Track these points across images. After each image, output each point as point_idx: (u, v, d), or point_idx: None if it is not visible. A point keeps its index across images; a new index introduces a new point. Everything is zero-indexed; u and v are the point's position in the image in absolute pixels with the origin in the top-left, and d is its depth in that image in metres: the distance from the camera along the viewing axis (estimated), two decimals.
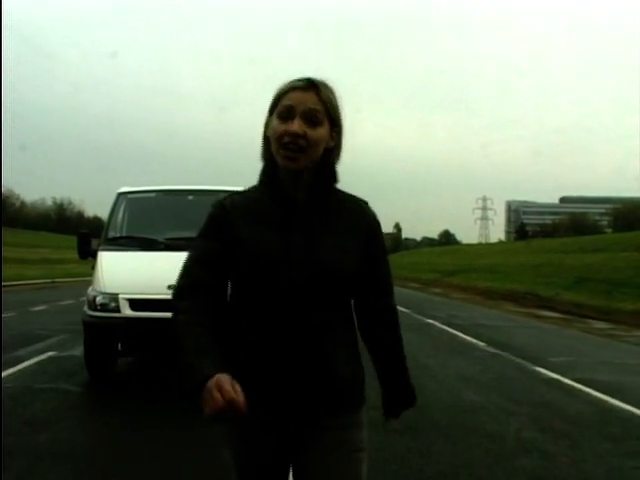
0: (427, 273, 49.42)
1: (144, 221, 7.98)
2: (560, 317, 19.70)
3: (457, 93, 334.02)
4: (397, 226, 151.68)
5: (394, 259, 50.37)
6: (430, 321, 15.81)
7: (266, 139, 1.82)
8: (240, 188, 6.72)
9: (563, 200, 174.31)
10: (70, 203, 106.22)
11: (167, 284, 6.29)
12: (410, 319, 15.46)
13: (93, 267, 7.31)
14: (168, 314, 5.57)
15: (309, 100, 1.74)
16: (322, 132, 1.75)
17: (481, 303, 25.56)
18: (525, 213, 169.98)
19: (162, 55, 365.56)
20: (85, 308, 6.92)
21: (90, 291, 6.92)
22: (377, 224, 1.89)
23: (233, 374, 1.63)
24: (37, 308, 16.78)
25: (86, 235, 7.76)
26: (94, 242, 7.71)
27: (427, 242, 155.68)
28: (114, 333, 6.71)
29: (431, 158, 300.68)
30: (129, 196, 8.03)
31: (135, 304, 6.59)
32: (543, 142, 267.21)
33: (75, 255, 7.83)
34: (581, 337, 14.24)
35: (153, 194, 8.12)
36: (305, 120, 1.73)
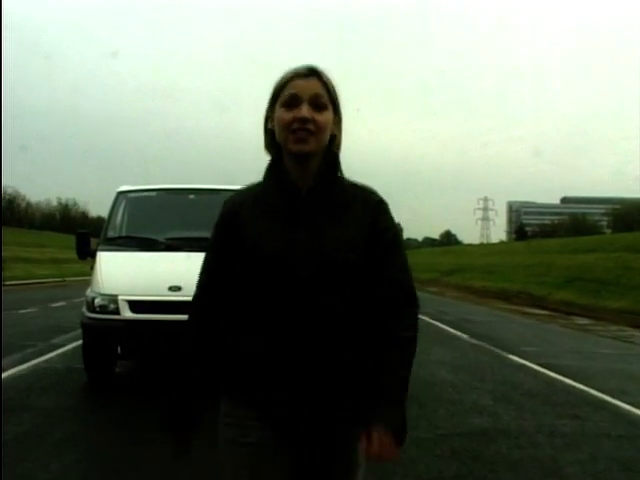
0: (426, 273, 50.57)
1: (144, 221, 7.88)
2: (546, 314, 20.93)
3: (458, 93, 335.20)
4: (398, 226, 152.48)
5: None
6: (419, 316, 17.02)
7: (268, 132, 1.85)
8: (241, 187, 7.24)
9: (564, 200, 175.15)
10: (75, 204, 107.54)
11: (168, 285, 6.26)
12: None
13: (92, 268, 7.17)
14: (169, 316, 5.93)
15: (313, 86, 1.77)
16: (328, 116, 1.78)
17: (473, 301, 26.82)
18: (526, 213, 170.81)
19: (162, 55, 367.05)
20: (84, 310, 6.79)
21: (89, 292, 6.77)
22: (383, 212, 1.84)
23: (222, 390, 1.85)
24: (56, 304, 18.04)
25: (85, 235, 7.62)
26: (93, 242, 7.60)
27: (429, 242, 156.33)
28: (113, 336, 6.53)
29: (432, 158, 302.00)
30: (129, 195, 7.90)
31: (135, 306, 6.44)
32: (544, 142, 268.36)
33: None
34: (559, 331, 15.51)
35: (153, 193, 7.99)
36: (311, 105, 1.75)
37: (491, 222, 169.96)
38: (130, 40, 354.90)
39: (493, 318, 18.29)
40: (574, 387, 7.72)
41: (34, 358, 8.49)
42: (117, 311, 6.44)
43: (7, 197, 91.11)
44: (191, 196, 7.97)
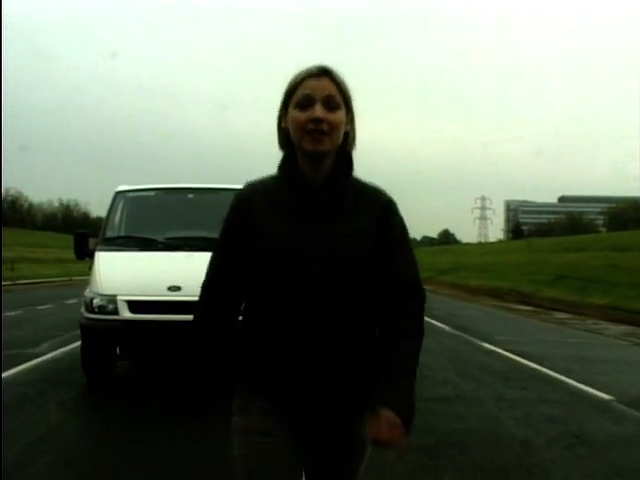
0: (423, 271, 51.05)
1: (143, 220, 7.82)
2: (530, 310, 22.19)
3: (458, 93, 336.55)
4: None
5: None
6: None
7: (282, 130, 1.87)
8: (242, 186, 8.03)
9: (562, 199, 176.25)
10: (77, 204, 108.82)
11: (167, 285, 6.29)
12: None
13: (90, 268, 7.12)
14: (168, 316, 6.12)
15: (326, 86, 1.79)
16: (342, 115, 1.80)
17: (465, 298, 28.10)
18: (524, 212, 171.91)
19: (162, 55, 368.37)
20: (82, 310, 6.72)
21: (87, 293, 6.71)
22: (390, 211, 1.88)
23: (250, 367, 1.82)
24: (70, 301, 19.21)
25: (83, 235, 7.54)
26: (92, 242, 7.50)
27: (427, 241, 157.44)
28: (112, 336, 6.46)
29: (431, 158, 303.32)
30: (127, 195, 7.83)
31: (134, 306, 6.38)
32: (542, 142, 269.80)
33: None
34: (536, 324, 16.81)
35: (152, 193, 7.93)
36: (325, 105, 1.77)
37: (489, 221, 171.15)
38: (130, 40, 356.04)
39: (479, 313, 19.57)
40: (530, 367, 8.99)
41: (63, 346, 9.75)
42: (116, 311, 6.37)
43: (10, 198, 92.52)
44: (190, 195, 7.91)
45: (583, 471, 4.54)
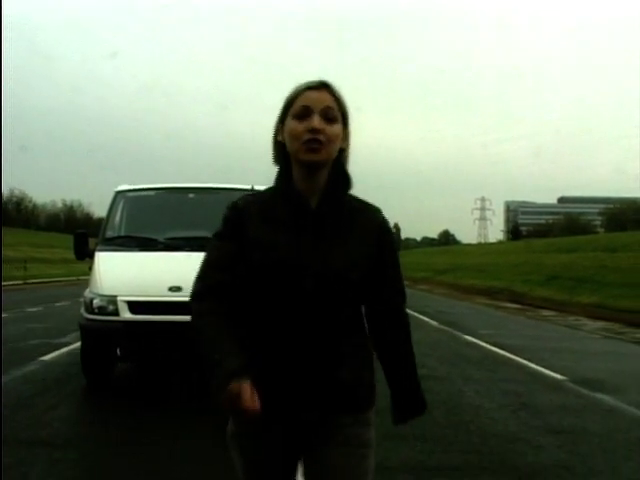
0: (420, 272, 53.01)
1: (143, 220, 7.78)
2: (519, 308, 23.39)
3: (458, 93, 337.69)
4: (396, 226, 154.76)
5: None
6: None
7: (277, 144, 1.89)
8: (242, 185, 6.93)
9: (561, 200, 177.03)
10: (80, 205, 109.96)
11: (168, 285, 6.29)
12: None
13: (90, 268, 7.08)
14: (169, 317, 6.11)
15: (325, 99, 1.82)
16: (338, 128, 1.83)
17: (458, 297, 29.29)
18: (523, 213, 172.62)
19: (162, 55, 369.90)
20: (82, 311, 6.69)
21: (87, 293, 6.66)
22: (387, 231, 1.92)
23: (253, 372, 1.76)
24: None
25: (83, 235, 7.50)
26: (92, 242, 7.48)
27: (427, 242, 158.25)
28: (112, 337, 6.41)
29: (431, 158, 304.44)
30: (127, 194, 7.80)
31: (134, 307, 6.35)
32: (542, 142, 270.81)
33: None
34: (521, 320, 18.02)
35: (152, 192, 7.89)
36: (323, 117, 1.79)
37: (488, 222, 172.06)
38: (130, 40, 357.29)
39: (468, 311, 20.76)
40: (503, 355, 10.19)
41: None
42: (116, 312, 6.34)
43: (14, 199, 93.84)
44: (191, 195, 7.87)
45: (520, 427, 5.72)
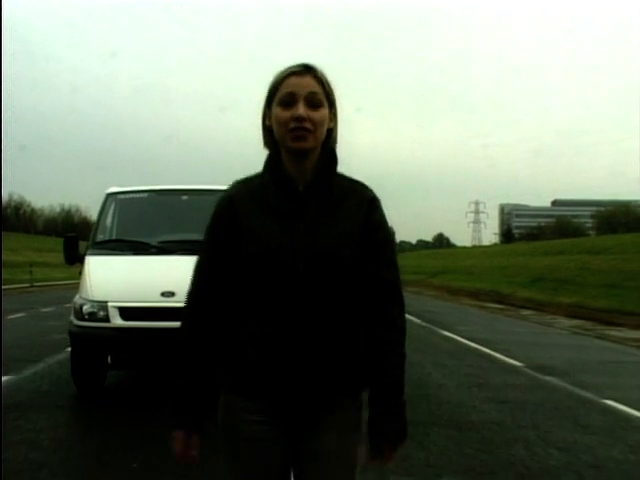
0: (413, 274, 54.32)
1: (135, 223, 7.61)
2: (501, 308, 24.75)
3: (450, 97, 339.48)
4: (391, 229, 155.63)
5: None
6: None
7: (266, 129, 1.90)
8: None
9: (555, 203, 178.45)
10: (77, 210, 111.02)
11: (160, 291, 6.18)
12: None
13: (80, 273, 6.86)
14: (162, 323, 6.00)
15: (308, 84, 1.82)
16: (324, 112, 1.83)
17: (445, 299, 30.69)
18: (518, 216, 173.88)
19: (162, 55, 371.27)
20: (71, 317, 6.47)
21: (77, 299, 6.45)
22: (375, 206, 1.91)
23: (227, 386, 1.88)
24: None
25: (73, 239, 7.26)
26: (82, 246, 7.29)
27: (422, 245, 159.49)
28: (103, 344, 6.27)
29: (426, 161, 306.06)
30: (119, 197, 7.60)
31: (126, 313, 6.19)
32: (537, 146, 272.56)
33: None
34: (498, 318, 19.40)
35: (145, 194, 7.67)
36: (307, 103, 1.80)
37: (482, 225, 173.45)
38: (129, 41, 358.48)
39: (452, 310, 22.12)
40: (473, 347, 11.53)
41: None
42: (107, 318, 6.18)
43: (13, 204, 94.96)
44: (184, 197, 7.73)
45: (472, 398, 7.05)
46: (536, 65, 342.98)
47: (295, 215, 1.83)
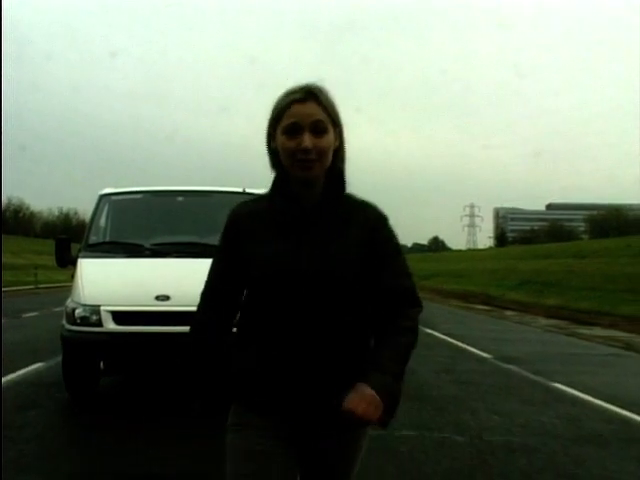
0: None
1: (129, 225, 7.49)
2: (487, 309, 25.98)
3: (446, 101, 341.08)
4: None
5: None
6: None
7: (272, 151, 1.89)
8: (233, 189, 6.83)
9: (550, 207, 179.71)
10: (76, 213, 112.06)
11: (154, 294, 6.03)
12: None
13: (73, 276, 6.70)
14: (156, 328, 5.88)
15: (312, 112, 1.81)
16: (330, 139, 1.83)
17: (435, 300, 31.81)
18: (513, 220, 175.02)
19: (161, 56, 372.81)
20: (63, 321, 6.32)
21: (69, 303, 6.30)
22: (383, 225, 1.91)
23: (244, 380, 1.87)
24: None
25: (65, 241, 7.16)
26: (75, 248, 7.13)
27: (418, 248, 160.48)
28: (96, 349, 6.14)
29: (422, 164, 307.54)
30: (113, 198, 7.46)
31: (119, 317, 6.04)
32: (533, 149, 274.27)
33: None
34: (481, 318, 20.70)
35: (139, 195, 7.55)
36: (312, 132, 1.80)
37: (477, 228, 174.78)
38: (129, 41, 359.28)
39: (438, 311, 23.32)
40: (450, 341, 12.82)
41: None
42: (99, 323, 6.03)
43: (12, 207, 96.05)
44: (179, 198, 7.60)
45: (436, 380, 8.31)
46: (527, 72, 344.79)
47: (302, 236, 1.85)
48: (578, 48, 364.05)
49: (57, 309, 19.82)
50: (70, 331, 6.17)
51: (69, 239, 7.29)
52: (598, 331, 16.94)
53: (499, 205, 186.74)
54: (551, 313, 22.80)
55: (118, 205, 7.51)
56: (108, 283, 6.43)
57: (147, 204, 7.60)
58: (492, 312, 24.13)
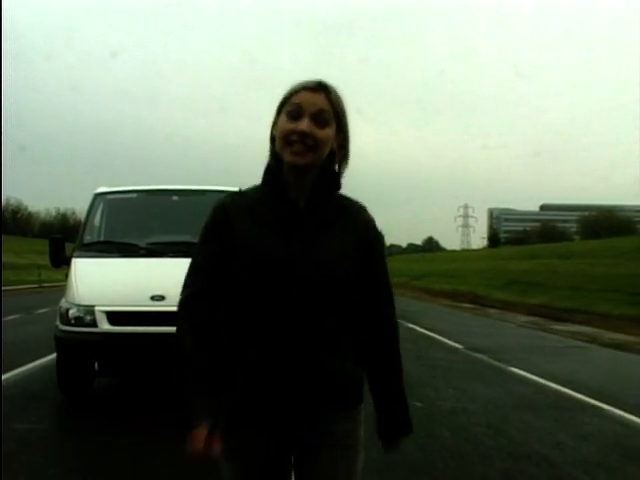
0: (398, 277, 56.53)
1: (123, 224, 7.45)
2: (472, 307, 27.18)
3: (441, 102, 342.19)
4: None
5: None
6: None
7: (272, 138, 1.87)
8: (228, 187, 6.33)
9: (543, 208, 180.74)
10: (73, 213, 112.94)
11: (150, 294, 6.03)
12: None
13: (67, 275, 6.66)
14: (151, 328, 5.87)
15: (318, 101, 1.80)
16: (329, 132, 1.81)
17: (424, 299, 33.20)
18: (506, 220, 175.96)
19: (161, 56, 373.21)
20: (57, 322, 6.27)
21: (63, 303, 6.26)
22: (374, 229, 1.94)
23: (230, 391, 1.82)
24: None
25: (59, 240, 7.09)
26: (69, 248, 7.07)
27: (412, 248, 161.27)
28: (90, 350, 6.10)
29: (416, 165, 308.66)
30: (107, 197, 7.43)
31: (114, 317, 6.00)
32: (527, 150, 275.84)
33: None
34: (463, 315, 21.95)
35: (134, 195, 7.52)
36: (313, 120, 1.78)
37: (471, 229, 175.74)
38: (129, 41, 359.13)
39: (425, 309, 24.65)
40: (428, 334, 14.11)
41: None
42: (94, 323, 6.00)
43: (10, 208, 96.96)
44: (174, 197, 7.58)
45: (407, 364, 9.51)
46: (535, 68, 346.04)
47: (292, 231, 1.82)
48: (578, 48, 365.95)
49: None
50: (64, 332, 6.16)
51: (63, 239, 7.27)
52: (570, 327, 18.18)
53: (493, 206, 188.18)
54: (532, 311, 23.87)
55: (113, 204, 7.52)
56: (102, 283, 6.41)
57: (142, 203, 7.58)
58: (476, 310, 25.35)
